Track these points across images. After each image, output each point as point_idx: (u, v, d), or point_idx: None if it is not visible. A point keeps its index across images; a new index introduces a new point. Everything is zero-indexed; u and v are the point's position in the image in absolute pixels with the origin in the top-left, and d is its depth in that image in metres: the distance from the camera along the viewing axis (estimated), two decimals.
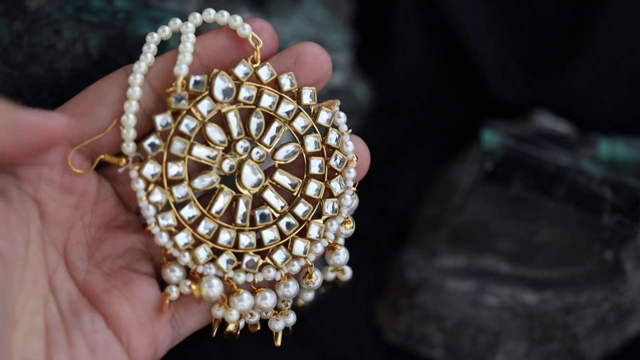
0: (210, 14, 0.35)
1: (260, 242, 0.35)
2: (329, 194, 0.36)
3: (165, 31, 0.35)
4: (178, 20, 0.35)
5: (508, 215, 0.47)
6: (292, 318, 0.37)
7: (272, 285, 0.36)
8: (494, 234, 0.48)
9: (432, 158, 0.57)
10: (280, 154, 0.35)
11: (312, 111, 0.36)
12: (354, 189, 0.36)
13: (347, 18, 0.55)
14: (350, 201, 0.36)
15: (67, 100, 0.35)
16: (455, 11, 0.56)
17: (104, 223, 0.35)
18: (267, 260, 0.35)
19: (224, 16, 0.35)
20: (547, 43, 0.56)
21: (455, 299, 0.49)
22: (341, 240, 0.37)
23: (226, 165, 0.35)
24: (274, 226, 0.35)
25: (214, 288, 0.34)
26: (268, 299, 0.35)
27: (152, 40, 0.35)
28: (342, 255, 0.37)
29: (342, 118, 0.36)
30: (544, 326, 0.48)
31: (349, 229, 0.37)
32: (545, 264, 0.48)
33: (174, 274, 0.35)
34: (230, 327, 0.36)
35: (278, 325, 0.37)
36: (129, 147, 0.34)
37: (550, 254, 0.48)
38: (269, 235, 0.35)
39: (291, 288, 0.36)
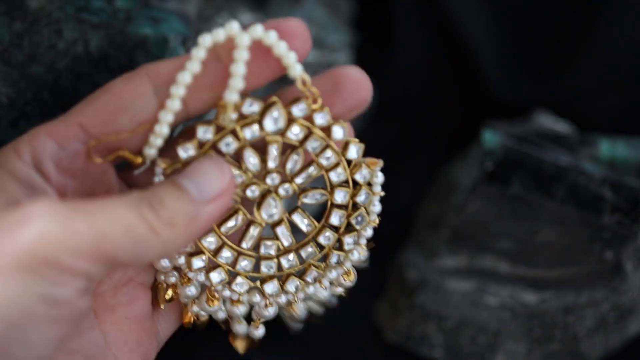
0: (270, 38, 0.32)
1: (257, 267, 0.35)
2: (339, 245, 0.36)
3: (220, 36, 0.32)
4: (236, 25, 0.31)
5: (508, 215, 0.47)
6: (260, 331, 0.37)
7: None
8: (494, 234, 0.48)
9: (432, 158, 0.56)
10: (307, 198, 0.35)
11: (352, 165, 0.35)
12: (365, 248, 0.36)
13: (347, 18, 0.55)
14: (358, 257, 0.36)
15: (67, 100, 0.34)
16: (455, 11, 0.56)
17: None
18: (257, 284, 0.35)
19: (280, 48, 0.32)
20: (547, 43, 0.56)
21: (455, 299, 0.49)
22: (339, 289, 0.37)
23: (250, 192, 0.34)
24: (275, 259, 0.35)
25: (192, 289, 0.35)
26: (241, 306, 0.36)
27: (204, 44, 0.32)
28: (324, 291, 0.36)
29: (379, 179, 0.35)
30: (544, 326, 0.48)
31: (347, 280, 0.36)
32: (545, 264, 0.48)
33: (165, 263, 0.35)
34: (202, 320, 0.36)
35: (240, 328, 0.36)
36: (151, 151, 0.33)
37: (550, 254, 0.48)
38: (266, 266, 0.35)
39: (270, 311, 0.36)
